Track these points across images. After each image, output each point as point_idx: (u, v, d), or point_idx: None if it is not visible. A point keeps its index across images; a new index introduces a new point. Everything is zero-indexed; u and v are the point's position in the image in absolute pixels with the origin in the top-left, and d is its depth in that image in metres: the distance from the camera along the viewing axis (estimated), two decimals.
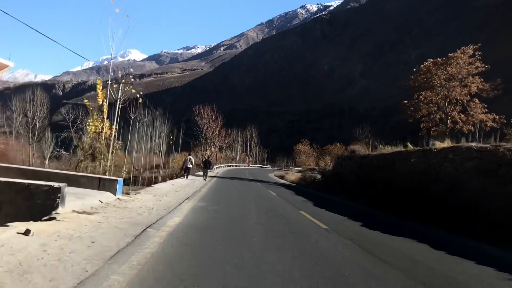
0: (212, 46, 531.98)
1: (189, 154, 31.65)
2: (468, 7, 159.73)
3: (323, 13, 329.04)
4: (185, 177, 26.25)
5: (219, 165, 61.14)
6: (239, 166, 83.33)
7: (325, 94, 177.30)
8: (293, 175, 45.57)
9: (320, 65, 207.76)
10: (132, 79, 23.21)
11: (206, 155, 50.92)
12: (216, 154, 62.87)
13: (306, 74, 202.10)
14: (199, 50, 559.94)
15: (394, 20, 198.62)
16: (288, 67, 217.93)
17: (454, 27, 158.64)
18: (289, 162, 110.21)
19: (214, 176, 32.84)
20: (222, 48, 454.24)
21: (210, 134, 55.14)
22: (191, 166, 27.19)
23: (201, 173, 32.00)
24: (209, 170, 37.26)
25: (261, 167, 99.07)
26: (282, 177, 44.99)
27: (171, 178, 31.97)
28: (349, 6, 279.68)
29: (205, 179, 25.90)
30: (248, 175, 43.78)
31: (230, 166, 74.59)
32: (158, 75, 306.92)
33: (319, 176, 34.68)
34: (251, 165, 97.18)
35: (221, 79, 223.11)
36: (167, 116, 47.55)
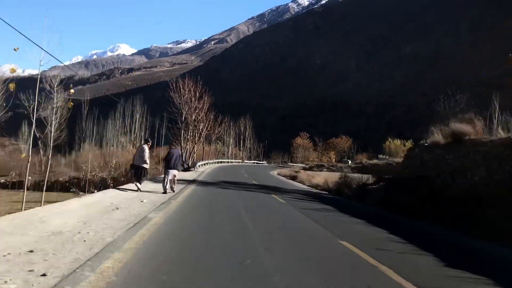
0: (202, 40, 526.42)
1: (170, 147, 20.49)
2: (463, 4, 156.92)
3: (315, 6, 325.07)
4: (136, 185, 14.39)
5: (207, 161, 52.07)
6: (231, 162, 74.68)
7: (318, 89, 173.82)
8: (309, 175, 34.91)
9: (313, 59, 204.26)
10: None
11: (187, 148, 39.77)
12: (203, 147, 53.22)
13: (298, 69, 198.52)
14: (189, 45, 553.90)
15: (388, 15, 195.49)
16: (279, 61, 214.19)
17: (449, 23, 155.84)
18: (285, 158, 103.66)
19: (195, 180, 22.32)
20: (212, 42, 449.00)
21: (193, 118, 41.09)
22: (147, 163, 14.87)
23: (186, 176, 24.54)
24: (192, 169, 34.36)
25: (257, 163, 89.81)
26: (293, 178, 34.82)
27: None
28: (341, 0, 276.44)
29: (167, 191, 14.29)
30: (246, 175, 34.48)
31: (221, 162, 66.22)
32: (147, 69, 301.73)
33: (364, 179, 21.23)
34: (245, 161, 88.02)
35: (211, 73, 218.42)
36: (145, 109, 43.04)
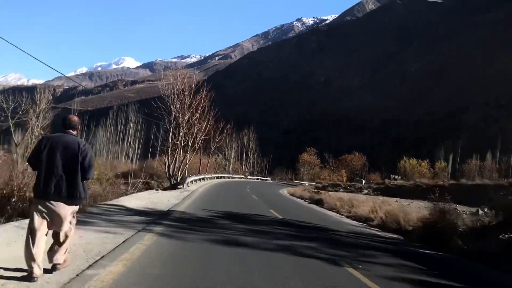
0: (207, 55, 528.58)
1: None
2: (469, 22, 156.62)
3: (320, 25, 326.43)
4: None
5: (204, 176, 42.63)
6: (233, 177, 67.20)
7: (321, 105, 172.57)
8: (339, 199, 24.98)
9: (316, 76, 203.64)
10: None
11: (176, 158, 30.48)
12: (200, 159, 45.72)
13: (302, 85, 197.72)
14: (193, 60, 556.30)
15: (393, 32, 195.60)
16: (283, 77, 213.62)
17: (455, 41, 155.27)
18: (289, 174, 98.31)
19: (171, 213, 12.94)
20: (216, 58, 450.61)
21: (186, 118, 31.02)
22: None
23: (164, 199, 17.48)
24: (180, 187, 26.89)
25: (260, 179, 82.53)
26: (317, 203, 25.51)
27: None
28: (347, 19, 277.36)
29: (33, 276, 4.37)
30: (256, 197, 26.22)
31: (221, 177, 57.15)
32: (151, 82, 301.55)
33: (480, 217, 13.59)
34: (248, 176, 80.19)
35: (214, 88, 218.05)
36: (140, 118, 41.77)
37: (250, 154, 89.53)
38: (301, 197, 31.57)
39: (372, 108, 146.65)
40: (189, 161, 36.02)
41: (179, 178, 30.01)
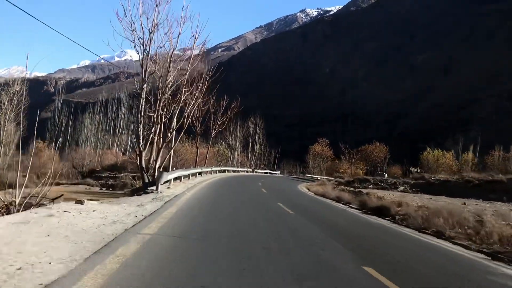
0: (210, 47, 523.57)
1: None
2: (476, 13, 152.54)
3: (324, 16, 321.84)
4: None
5: (202, 169, 34.65)
6: (239, 171, 58.88)
7: (326, 97, 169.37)
8: (433, 212, 14.63)
9: (321, 67, 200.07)
10: None
11: (158, 145, 21.77)
12: (197, 147, 39.52)
13: (306, 77, 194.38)
14: (196, 52, 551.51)
15: (399, 24, 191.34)
16: (287, 69, 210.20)
17: (462, 31, 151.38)
18: (296, 167, 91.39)
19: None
20: (219, 50, 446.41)
21: (168, 81, 21.78)
22: None
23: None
24: (154, 191, 17.08)
25: (270, 173, 74.32)
26: (378, 212, 17.80)
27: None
28: (351, 10, 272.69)
29: None
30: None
31: (225, 171, 49.29)
32: (153, 74, 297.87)
33: None
34: (256, 170, 70.98)
35: (217, 80, 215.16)
36: (134, 104, 38.34)
37: (257, 145, 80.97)
38: (337, 199, 24.37)
39: (378, 100, 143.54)
40: (173, 146, 26.97)
41: (150, 176, 20.82)
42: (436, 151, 63.55)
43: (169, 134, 22.90)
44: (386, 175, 57.36)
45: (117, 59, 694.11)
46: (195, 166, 35.06)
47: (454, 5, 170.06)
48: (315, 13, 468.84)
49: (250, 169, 68.03)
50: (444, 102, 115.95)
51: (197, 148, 40.50)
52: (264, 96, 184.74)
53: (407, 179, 42.41)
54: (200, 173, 33.18)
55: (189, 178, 28.11)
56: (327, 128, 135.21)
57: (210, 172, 38.78)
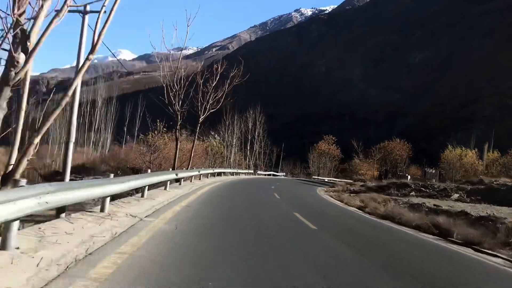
0: (204, 47, 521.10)
1: None
2: (474, 11, 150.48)
3: (319, 15, 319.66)
4: None
5: (183, 173, 21.92)
6: (238, 173, 47.11)
7: (323, 96, 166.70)
8: None
9: (317, 66, 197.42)
10: None
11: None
12: (177, 139, 25.16)
13: (302, 76, 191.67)
14: (190, 51, 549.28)
15: (395, 22, 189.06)
16: (282, 68, 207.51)
17: (460, 29, 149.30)
18: (297, 168, 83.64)
19: None
20: (214, 49, 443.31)
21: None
22: None
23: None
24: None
25: (273, 175, 64.36)
26: None
27: None
28: (347, 8, 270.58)
29: None
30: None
31: (220, 174, 38.13)
32: (147, 73, 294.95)
33: None
34: (258, 172, 60.44)
35: (211, 76, 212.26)
36: (115, 94, 34.72)
37: (256, 143, 68.84)
38: (400, 222, 15.91)
39: (376, 100, 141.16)
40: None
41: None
42: (457, 149, 56.74)
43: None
44: (408, 177, 48.15)
45: (110, 58, 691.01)
46: (174, 168, 22.30)
47: (451, 3, 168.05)
48: (309, 13, 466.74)
49: (251, 171, 58.06)
50: (444, 101, 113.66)
51: (177, 140, 24.45)
52: (259, 95, 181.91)
53: (461, 184, 33.56)
54: (177, 180, 20.58)
55: (166, 188, 17.19)
56: (324, 127, 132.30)
57: (199, 178, 26.76)
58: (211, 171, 33.18)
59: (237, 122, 60.97)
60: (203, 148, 42.37)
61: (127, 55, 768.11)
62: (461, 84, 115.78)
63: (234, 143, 59.52)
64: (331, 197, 29.61)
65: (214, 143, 51.29)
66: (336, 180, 63.09)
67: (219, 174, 37.93)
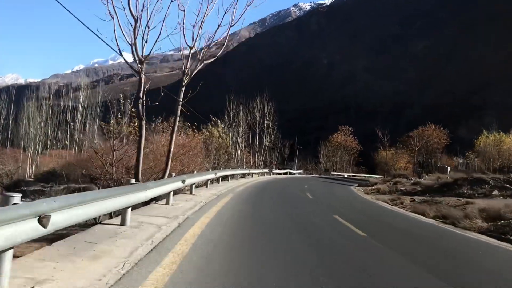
0: (203, 46, 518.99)
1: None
2: None
3: (319, 8, 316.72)
4: None
5: (157, 188, 10.09)
6: (251, 174, 36.85)
7: (326, 90, 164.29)
8: None
9: (319, 60, 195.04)
10: None
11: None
12: (141, 125, 14.56)
13: (305, 70, 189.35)
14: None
15: (396, 12, 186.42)
16: (284, 63, 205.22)
17: (464, 18, 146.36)
18: (311, 165, 75.30)
19: None
20: (214, 48, 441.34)
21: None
22: None
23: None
24: None
25: (290, 173, 57.64)
26: None
27: None
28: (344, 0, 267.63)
29: None
30: None
31: (227, 178, 27.72)
32: (147, 74, 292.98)
33: None
34: (273, 170, 51.68)
35: (212, 77, 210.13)
36: (102, 83, 30.86)
37: (266, 137, 58.64)
38: None
39: (381, 91, 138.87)
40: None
41: None
42: (493, 135, 50.32)
43: None
44: (448, 169, 40.77)
45: (111, 62, 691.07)
46: (165, 173, 15.51)
47: None
48: (308, 7, 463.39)
49: (266, 170, 48.12)
50: (453, 89, 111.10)
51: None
52: (262, 92, 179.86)
53: None
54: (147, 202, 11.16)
55: (123, 223, 8.12)
56: (330, 122, 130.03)
57: (188, 190, 16.20)
58: (210, 176, 20.92)
59: (243, 114, 50.98)
60: (199, 140, 31.28)
61: (127, 57, 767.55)
62: (467, 72, 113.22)
63: (240, 139, 48.48)
64: (386, 202, 22.40)
65: (216, 132, 39.37)
66: (362, 177, 57.19)
67: (226, 178, 27.73)
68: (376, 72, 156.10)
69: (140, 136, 15.25)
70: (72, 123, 47.40)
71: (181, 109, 17.95)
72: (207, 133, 38.40)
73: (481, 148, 48.76)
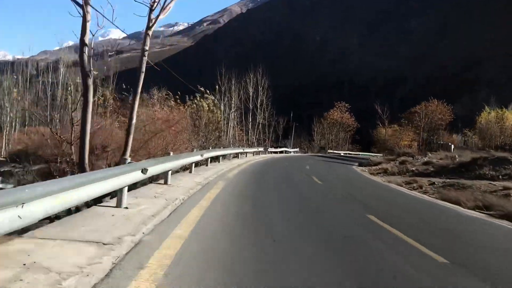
0: (194, 22, 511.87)
1: None
2: None
3: None
4: None
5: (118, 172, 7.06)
6: (245, 155, 33.51)
7: (319, 67, 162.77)
8: None
9: (311, 36, 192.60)
10: None
11: None
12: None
13: (297, 47, 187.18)
14: (181, 27, 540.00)
15: None
16: (276, 39, 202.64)
17: None
18: (302, 143, 72.20)
19: None
20: (205, 24, 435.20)
21: None
22: None
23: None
24: None
25: (286, 152, 54.56)
26: None
27: None
28: None
29: None
30: None
31: (217, 158, 23.64)
32: (137, 51, 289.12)
33: None
34: (269, 149, 48.69)
35: (203, 53, 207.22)
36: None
37: (260, 114, 55.34)
38: None
39: (374, 67, 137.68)
40: None
41: None
42: (495, 111, 48.61)
43: None
44: (452, 146, 39.78)
45: (100, 38, 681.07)
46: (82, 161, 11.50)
47: None
48: None
49: (261, 149, 44.57)
50: (447, 64, 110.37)
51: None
52: (255, 66, 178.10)
53: None
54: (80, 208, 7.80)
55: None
56: (322, 98, 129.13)
57: (163, 179, 12.09)
58: (193, 158, 16.01)
59: (235, 88, 47.93)
60: (186, 114, 27.55)
61: (117, 34, 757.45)
62: (462, 47, 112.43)
63: (232, 113, 44.87)
64: (401, 186, 20.09)
65: (205, 105, 35.74)
66: (361, 155, 55.15)
67: (216, 159, 23.69)
68: (369, 48, 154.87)
69: (86, 102, 10.32)
70: (52, 100, 45.62)
71: (149, 64, 13.57)
72: (194, 105, 35.38)
73: (483, 125, 47.47)
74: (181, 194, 10.04)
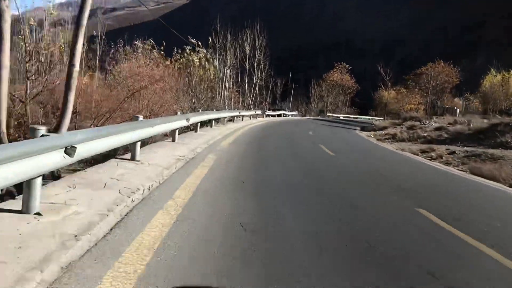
0: None
1: None
2: None
3: None
4: None
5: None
6: (241, 119, 30.71)
7: (317, 29, 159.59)
8: None
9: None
10: None
11: None
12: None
13: (294, 9, 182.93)
14: None
15: None
16: (273, 4, 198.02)
17: None
18: (300, 105, 68.67)
19: None
20: None
21: None
22: None
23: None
24: None
25: (284, 115, 52.60)
26: None
27: None
28: None
29: None
30: None
31: (209, 122, 20.33)
32: (132, 8, 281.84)
33: None
34: (266, 112, 46.58)
35: (199, 12, 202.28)
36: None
37: (257, 75, 50.05)
38: None
39: (372, 29, 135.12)
40: None
41: None
42: (501, 74, 45.72)
43: None
44: (458, 111, 37.56)
45: None
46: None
47: None
48: None
49: (259, 112, 41.65)
50: (447, 26, 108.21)
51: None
52: (251, 24, 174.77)
53: None
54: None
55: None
56: (320, 60, 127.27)
57: (134, 151, 8.21)
58: (180, 123, 12.49)
59: (231, 46, 42.66)
60: (173, 70, 24.74)
61: None
62: (464, 9, 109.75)
63: (227, 72, 39.50)
64: (416, 155, 17.39)
65: (196, 60, 31.90)
66: (361, 119, 53.30)
67: (210, 122, 20.56)
68: (368, 10, 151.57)
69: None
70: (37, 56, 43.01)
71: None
72: (183, 59, 31.25)
73: (487, 88, 44.46)
74: (148, 180, 6.43)
